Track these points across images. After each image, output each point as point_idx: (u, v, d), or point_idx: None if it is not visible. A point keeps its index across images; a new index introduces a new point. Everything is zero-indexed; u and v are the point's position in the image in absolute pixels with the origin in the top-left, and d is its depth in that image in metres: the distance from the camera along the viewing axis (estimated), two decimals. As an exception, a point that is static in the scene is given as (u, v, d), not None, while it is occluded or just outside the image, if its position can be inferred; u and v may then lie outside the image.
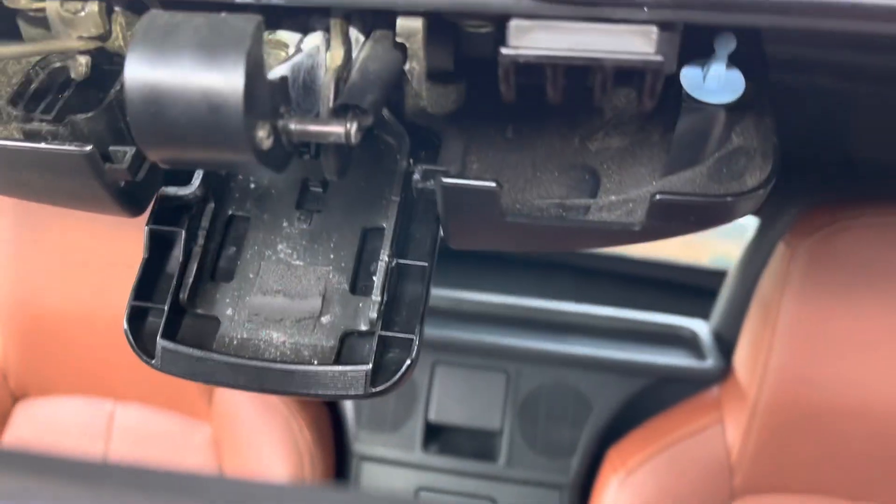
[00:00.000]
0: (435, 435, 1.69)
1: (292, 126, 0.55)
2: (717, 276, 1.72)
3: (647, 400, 1.64)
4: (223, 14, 0.51)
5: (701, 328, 1.70)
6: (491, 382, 1.66)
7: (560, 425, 1.65)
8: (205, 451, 1.56)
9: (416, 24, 0.55)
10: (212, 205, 0.74)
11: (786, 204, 1.45)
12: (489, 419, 1.66)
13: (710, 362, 1.61)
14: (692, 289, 1.86)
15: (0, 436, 1.59)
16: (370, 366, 0.65)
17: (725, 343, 1.64)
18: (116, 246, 1.48)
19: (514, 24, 0.53)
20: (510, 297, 1.76)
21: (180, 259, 0.71)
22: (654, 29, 0.52)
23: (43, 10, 0.60)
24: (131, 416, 1.58)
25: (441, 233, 0.73)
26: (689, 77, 0.65)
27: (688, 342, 1.68)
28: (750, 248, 1.57)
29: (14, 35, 0.70)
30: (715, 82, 0.65)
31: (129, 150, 0.67)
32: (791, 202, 1.44)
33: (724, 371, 1.58)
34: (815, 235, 1.30)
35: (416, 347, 0.66)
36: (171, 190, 0.73)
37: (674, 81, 0.63)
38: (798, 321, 1.30)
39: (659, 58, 0.51)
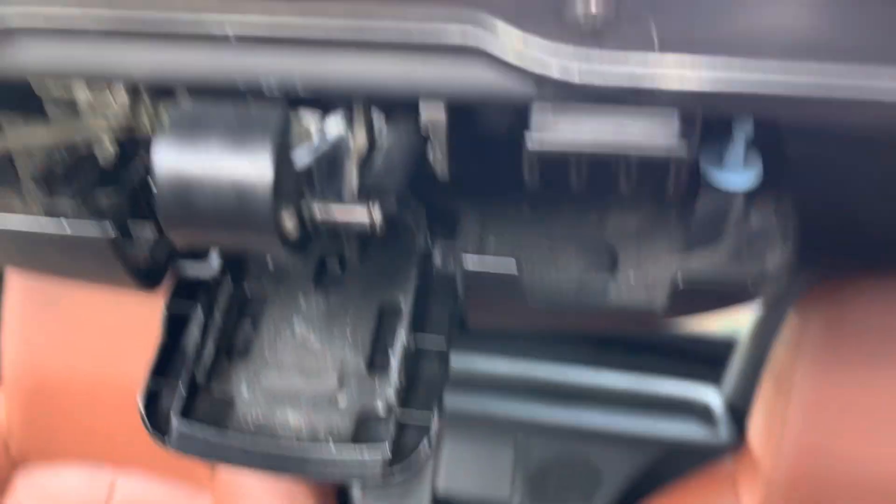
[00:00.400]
0: (442, 507, 1.66)
1: (317, 211, 0.56)
2: (729, 343, 1.71)
3: (659, 471, 1.61)
4: (250, 104, 0.52)
5: (713, 397, 1.68)
6: (499, 453, 1.63)
7: (570, 497, 1.61)
8: (207, 522, 1.53)
9: (440, 112, 0.56)
10: (229, 283, 0.74)
11: (796, 270, 1.45)
12: (498, 491, 1.62)
13: (722, 433, 1.59)
14: (703, 354, 1.84)
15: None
16: (387, 450, 0.64)
17: (738, 412, 1.61)
18: (123, 312, 1.47)
19: (537, 111, 0.53)
20: (518, 363, 1.74)
21: (197, 337, 0.71)
22: (676, 117, 0.52)
23: (72, 98, 0.61)
24: (132, 486, 1.55)
25: (459, 310, 0.73)
26: (708, 159, 0.66)
27: (700, 412, 1.66)
28: (761, 315, 1.56)
29: (39, 112, 0.72)
30: (733, 165, 0.65)
31: (149, 227, 0.67)
32: (802, 269, 1.44)
33: (738, 442, 1.55)
34: (827, 303, 1.29)
35: (434, 431, 0.65)
36: (190, 270, 0.73)
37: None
38: (813, 392, 1.28)
39: (683, 149, 0.52)
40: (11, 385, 1.56)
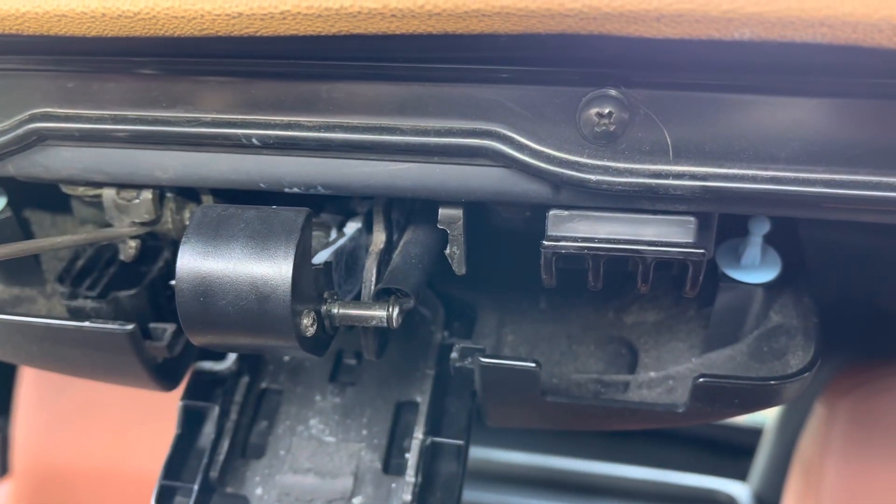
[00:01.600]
0: None
1: (335, 311, 0.56)
2: (754, 433, 1.66)
3: (687, 570, 1.54)
4: (274, 207, 0.53)
5: (739, 491, 1.62)
6: (519, 549, 1.57)
7: None
8: None
9: (457, 212, 0.57)
10: (246, 378, 0.74)
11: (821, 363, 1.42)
12: (517, 590, 1.56)
13: (751, 528, 1.52)
14: (728, 446, 1.79)
15: None
16: (404, 560, 0.62)
17: (766, 507, 1.55)
18: (137, 402, 1.46)
19: (553, 214, 0.54)
20: (537, 456, 1.70)
21: (212, 435, 0.70)
22: (692, 219, 0.53)
23: (99, 195, 0.62)
24: (141, 582, 1.50)
25: (477, 407, 0.72)
26: (725, 256, 0.66)
27: (727, 506, 1.60)
28: (786, 406, 1.52)
29: (66, 209, 0.73)
30: (751, 261, 0.65)
31: (169, 328, 0.68)
32: (826, 359, 1.41)
33: (768, 538, 1.48)
34: (854, 394, 1.26)
35: (452, 535, 0.63)
36: (207, 365, 0.73)
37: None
38: (842, 485, 1.24)
39: (700, 250, 0.52)
40: (21, 476, 1.54)
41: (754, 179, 0.49)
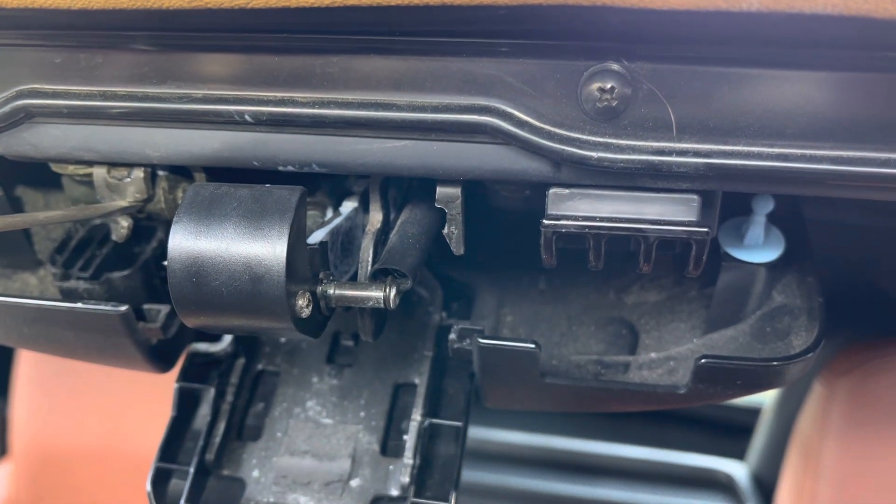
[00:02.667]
0: (458, 585, 1.59)
1: (331, 291, 0.55)
2: (752, 413, 1.66)
3: (684, 549, 1.55)
4: (267, 185, 0.52)
5: (738, 470, 1.63)
6: (518, 528, 1.58)
7: (591, 576, 1.55)
8: None
9: (456, 191, 0.56)
10: (242, 360, 0.73)
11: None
12: (516, 569, 1.57)
13: (749, 508, 1.53)
14: (726, 425, 1.79)
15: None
16: (402, 541, 0.62)
17: (765, 486, 1.55)
18: (134, 383, 1.46)
19: (553, 192, 0.53)
20: (536, 436, 1.70)
21: (208, 417, 0.69)
22: (695, 197, 0.52)
23: (90, 174, 0.61)
24: (140, 562, 1.51)
25: (476, 389, 0.71)
26: (728, 235, 0.65)
27: (725, 486, 1.60)
28: (785, 386, 1.52)
29: (58, 188, 0.72)
30: (754, 240, 0.64)
31: (163, 309, 0.66)
32: (826, 339, 1.41)
33: (765, 518, 1.49)
34: (853, 374, 1.26)
35: (450, 516, 0.63)
36: (202, 346, 0.72)
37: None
38: (842, 465, 1.24)
39: (704, 229, 0.51)
40: (20, 457, 1.54)
41: (760, 156, 0.48)
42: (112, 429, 1.48)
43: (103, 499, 1.51)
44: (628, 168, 0.49)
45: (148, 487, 0.66)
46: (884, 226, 1.06)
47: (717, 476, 1.63)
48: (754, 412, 1.66)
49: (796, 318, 0.63)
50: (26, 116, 0.57)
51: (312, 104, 0.52)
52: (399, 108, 0.51)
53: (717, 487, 1.61)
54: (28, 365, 1.52)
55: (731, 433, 1.73)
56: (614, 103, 0.48)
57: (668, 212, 0.52)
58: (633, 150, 0.48)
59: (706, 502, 1.57)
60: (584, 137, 0.49)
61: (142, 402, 1.45)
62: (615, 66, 0.47)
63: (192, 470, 0.66)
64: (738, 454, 1.68)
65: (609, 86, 0.47)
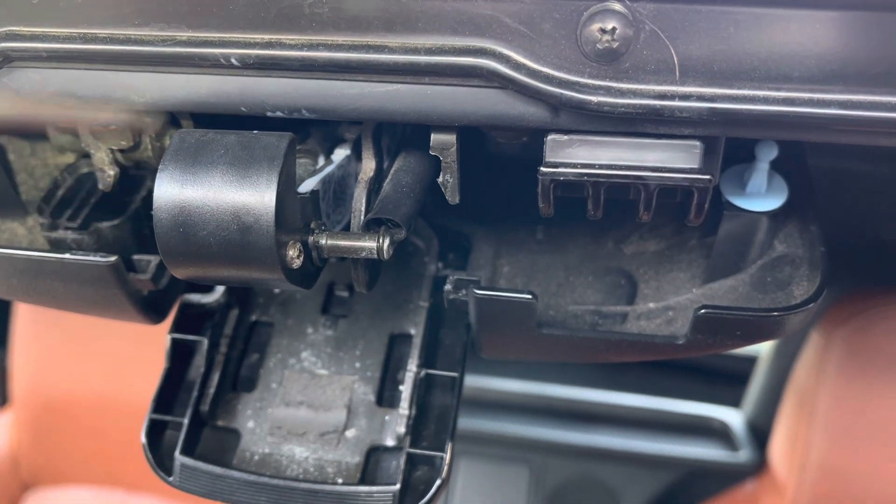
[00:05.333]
0: (456, 530, 1.62)
1: (323, 241, 0.54)
2: (748, 361, 1.67)
3: (679, 494, 1.57)
4: (255, 132, 0.50)
5: (733, 418, 1.64)
6: (515, 476, 1.60)
7: (587, 521, 1.58)
8: (218, 546, 1.51)
9: (451, 137, 0.54)
10: (235, 311, 0.72)
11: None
12: (513, 514, 1.59)
13: (743, 454, 1.55)
14: (723, 374, 1.80)
15: (8, 527, 1.55)
16: (398, 486, 0.62)
17: (759, 433, 1.57)
18: (132, 334, 1.46)
19: (551, 138, 0.51)
20: (534, 384, 1.71)
21: (202, 369, 0.68)
22: (697, 144, 0.50)
23: (73, 121, 0.59)
24: (143, 508, 1.53)
25: (472, 339, 0.71)
26: (729, 183, 0.63)
27: (720, 433, 1.62)
28: (785, 336, 1.53)
29: (43, 136, 0.70)
30: (756, 188, 0.63)
31: (153, 260, 0.65)
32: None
33: (759, 464, 1.51)
34: (850, 324, 1.26)
35: (446, 466, 0.63)
36: (195, 297, 0.71)
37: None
38: (836, 413, 1.25)
39: (706, 176, 0.49)
40: (21, 405, 1.55)
41: (765, 101, 0.46)
42: (112, 378, 1.48)
43: (103, 447, 1.53)
44: (629, 113, 0.47)
45: (143, 439, 0.66)
46: (886, 174, 1.04)
47: (713, 423, 1.65)
48: (750, 361, 1.67)
49: (797, 267, 0.62)
50: (5, 60, 0.54)
51: (301, 46, 0.50)
52: (391, 50, 0.48)
53: (712, 434, 1.63)
54: (26, 315, 1.52)
55: (727, 381, 1.74)
56: (615, 45, 0.46)
57: (670, 158, 0.50)
58: (635, 94, 0.47)
59: (701, 449, 1.59)
60: (584, 81, 0.47)
61: (142, 352, 1.46)
62: (617, 6, 0.45)
63: (186, 421, 0.66)
64: (734, 402, 1.69)
65: (610, 26, 0.45)
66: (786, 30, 0.45)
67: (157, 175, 0.48)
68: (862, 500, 1.26)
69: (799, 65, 0.46)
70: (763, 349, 1.61)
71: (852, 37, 0.45)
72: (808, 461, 1.28)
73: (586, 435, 1.61)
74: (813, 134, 0.49)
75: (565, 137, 0.51)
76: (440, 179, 0.56)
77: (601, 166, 0.51)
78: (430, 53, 0.48)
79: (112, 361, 1.49)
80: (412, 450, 0.64)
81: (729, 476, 1.51)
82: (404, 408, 0.66)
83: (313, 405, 0.68)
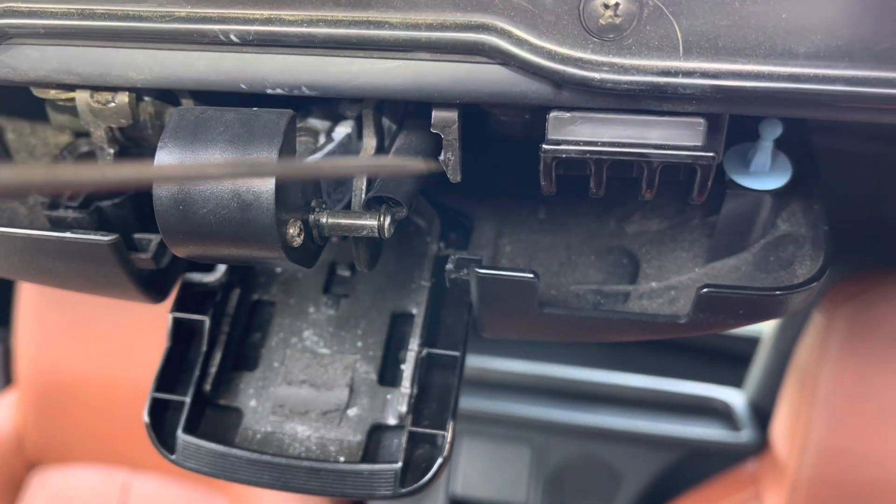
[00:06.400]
0: (458, 509, 1.64)
1: (324, 220, 0.53)
2: (750, 342, 1.67)
3: (680, 473, 1.58)
4: (255, 109, 0.50)
5: (735, 398, 1.65)
6: (516, 455, 1.61)
7: (588, 500, 1.59)
8: (222, 524, 1.52)
9: (452, 114, 0.54)
10: (237, 290, 0.72)
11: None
12: (515, 493, 1.60)
13: (745, 434, 1.55)
14: (725, 354, 1.81)
15: (14, 505, 1.56)
16: (399, 464, 0.62)
17: (761, 413, 1.58)
18: (135, 314, 1.47)
19: (553, 115, 0.51)
20: (536, 364, 1.72)
21: (204, 348, 0.68)
22: (701, 121, 0.49)
23: (72, 99, 0.59)
24: (147, 486, 1.54)
25: (473, 319, 0.71)
26: (733, 161, 0.63)
27: (722, 413, 1.62)
28: (788, 316, 1.53)
29: (43, 117, 0.70)
30: (760, 167, 0.62)
31: (154, 238, 0.65)
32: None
33: (761, 444, 1.51)
34: (852, 303, 1.26)
35: (447, 444, 0.63)
36: (196, 276, 0.71)
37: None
38: (838, 393, 1.25)
39: (710, 153, 0.49)
40: (25, 385, 1.56)
41: (770, 77, 0.46)
42: (115, 357, 1.49)
43: (107, 426, 1.54)
44: (632, 90, 0.47)
45: (145, 418, 0.66)
46: (890, 154, 1.04)
47: (715, 404, 1.65)
48: (753, 341, 1.67)
49: (801, 246, 0.62)
50: (3, 37, 0.54)
51: (301, 22, 0.49)
52: (392, 26, 0.48)
53: (715, 415, 1.63)
54: (30, 295, 1.53)
55: (729, 362, 1.74)
56: (618, 20, 0.45)
57: (673, 136, 0.50)
58: (638, 70, 0.46)
59: (703, 429, 1.60)
60: (587, 57, 0.47)
61: (145, 331, 1.46)
62: (620, -19, 0.44)
63: (188, 400, 0.66)
64: (736, 383, 1.70)
65: (613, 2, 0.45)
66: (792, 4, 0.44)
67: (157, 152, 0.48)
68: (862, 479, 1.27)
69: (805, 40, 0.45)
70: (765, 329, 1.61)
71: (859, 12, 0.44)
72: (809, 441, 1.28)
73: (588, 415, 1.61)
74: (818, 111, 0.49)
75: (568, 115, 0.51)
76: (441, 157, 0.56)
77: (604, 143, 0.50)
78: (432, 29, 0.47)
79: (116, 341, 1.49)
80: (414, 428, 0.64)
81: (730, 456, 1.52)
82: (406, 386, 0.66)
83: (315, 384, 0.69)
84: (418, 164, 0.51)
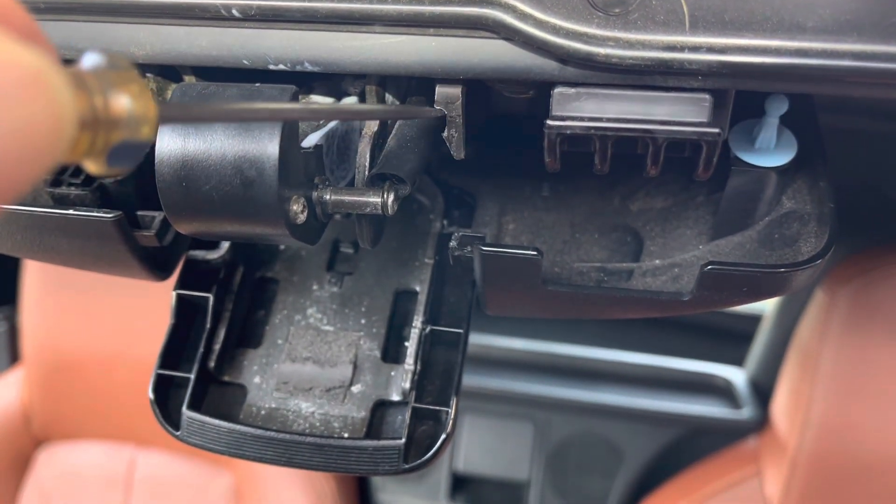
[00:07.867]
0: (461, 486, 1.65)
1: (327, 197, 0.53)
2: (752, 320, 1.67)
3: (681, 451, 1.59)
4: (257, 84, 0.50)
5: (736, 376, 1.65)
6: (519, 432, 1.62)
7: (590, 477, 1.60)
8: (226, 500, 1.53)
9: (456, 90, 0.53)
10: (241, 268, 0.72)
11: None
12: (517, 470, 1.62)
13: (746, 412, 1.56)
14: (727, 331, 1.81)
15: (21, 480, 1.58)
16: (403, 440, 0.62)
17: (762, 391, 1.58)
18: (141, 291, 1.47)
19: (558, 91, 0.50)
20: (538, 342, 1.72)
21: (208, 325, 0.69)
22: (707, 97, 0.49)
23: (73, 75, 0.58)
24: (152, 462, 1.56)
25: (477, 296, 0.71)
26: (738, 138, 0.62)
27: (723, 391, 1.63)
28: (791, 293, 1.53)
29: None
30: (765, 144, 0.62)
31: (158, 216, 0.65)
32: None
33: (761, 421, 1.52)
34: (855, 282, 1.26)
35: (451, 421, 0.63)
36: (199, 253, 0.71)
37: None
38: (839, 370, 1.26)
39: (715, 129, 0.49)
40: (31, 362, 1.57)
41: (777, 52, 0.45)
42: (121, 334, 1.50)
43: (114, 402, 1.55)
44: (637, 65, 0.46)
45: (150, 394, 0.67)
46: (892, 131, 1.03)
47: (716, 381, 1.66)
48: (755, 319, 1.67)
49: (806, 224, 0.62)
50: None
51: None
52: (395, 0, 0.47)
53: (716, 392, 1.64)
54: (35, 273, 1.53)
55: (730, 340, 1.75)
56: (624, -6, 0.45)
57: (679, 112, 0.49)
58: (643, 45, 0.46)
59: (704, 406, 1.60)
60: (592, 32, 0.46)
61: (149, 308, 1.47)
62: (626, -47, 0.44)
63: (193, 377, 0.66)
64: (738, 361, 1.70)
65: (619, -25, 0.44)
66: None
67: (159, 129, 0.48)
68: (862, 456, 1.27)
69: (813, 14, 0.45)
70: (767, 307, 1.61)
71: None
72: (809, 418, 1.29)
73: (591, 392, 1.62)
74: (825, 87, 0.48)
75: (572, 90, 0.50)
76: (445, 134, 0.56)
77: (609, 119, 0.50)
78: (435, 4, 0.47)
79: (121, 318, 1.50)
80: (417, 405, 0.64)
81: (731, 433, 1.53)
82: (409, 363, 0.66)
83: (319, 361, 0.69)
84: (432, 112, 0.50)
